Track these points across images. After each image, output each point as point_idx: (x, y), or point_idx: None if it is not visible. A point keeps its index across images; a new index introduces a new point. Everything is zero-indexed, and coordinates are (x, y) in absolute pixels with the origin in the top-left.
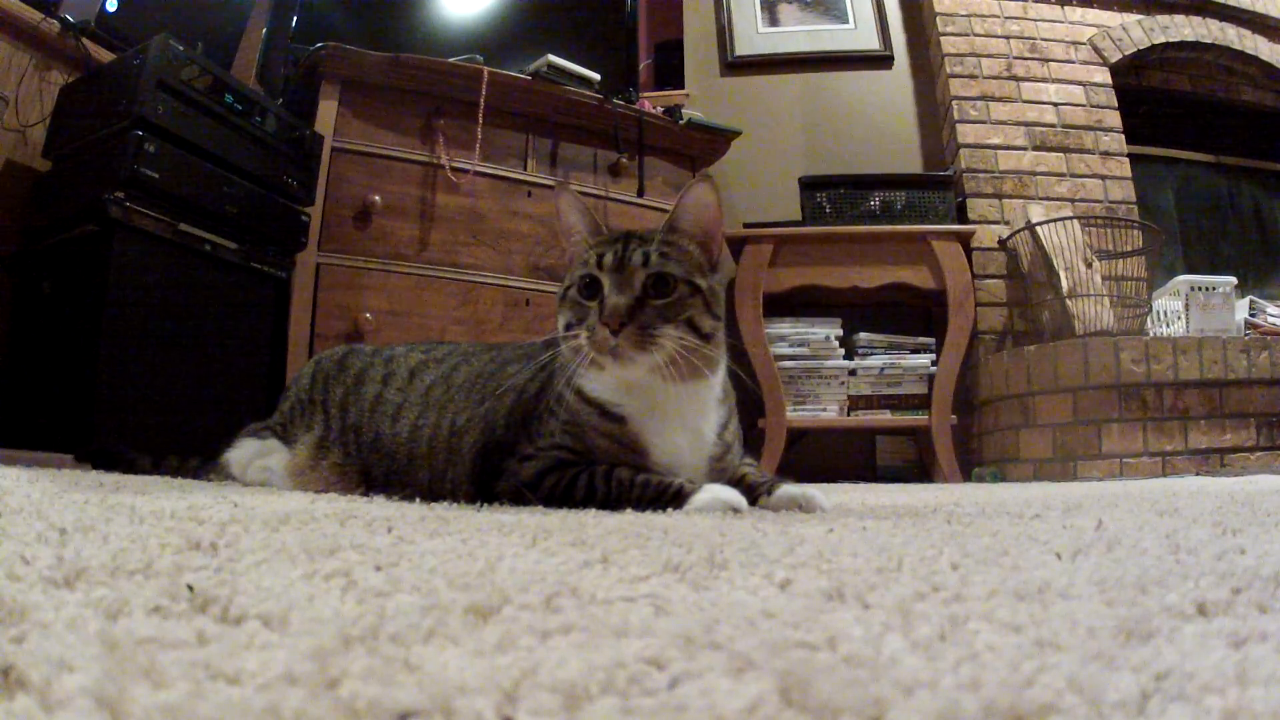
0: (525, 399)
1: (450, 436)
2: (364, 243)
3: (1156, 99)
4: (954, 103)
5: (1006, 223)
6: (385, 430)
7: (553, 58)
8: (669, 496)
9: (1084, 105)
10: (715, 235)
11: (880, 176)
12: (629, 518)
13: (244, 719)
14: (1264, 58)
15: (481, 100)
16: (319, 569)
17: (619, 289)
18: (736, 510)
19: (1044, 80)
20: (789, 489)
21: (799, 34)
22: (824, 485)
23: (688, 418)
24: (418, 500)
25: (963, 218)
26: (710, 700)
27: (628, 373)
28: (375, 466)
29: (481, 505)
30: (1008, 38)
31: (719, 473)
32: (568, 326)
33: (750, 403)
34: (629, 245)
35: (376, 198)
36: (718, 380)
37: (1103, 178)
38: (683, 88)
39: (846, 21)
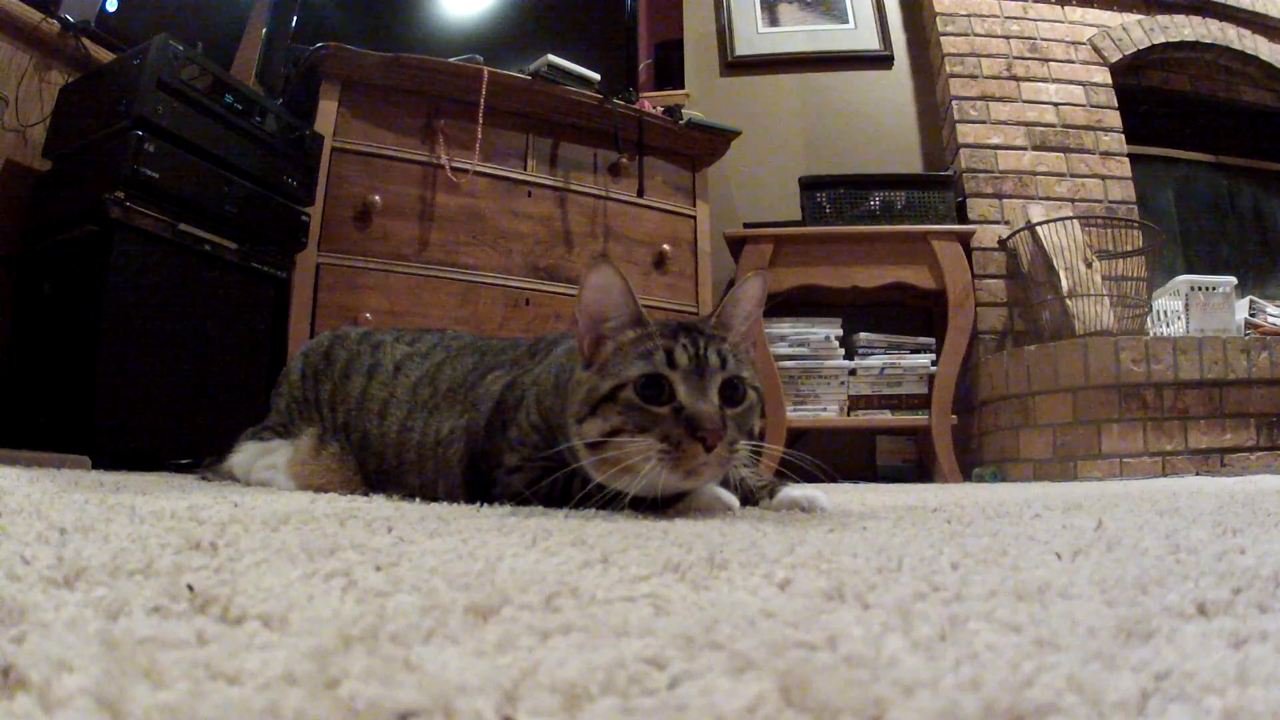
0: (504, 407)
1: (436, 446)
2: (364, 243)
3: (1156, 99)
4: (954, 103)
5: (1006, 223)
6: (373, 430)
7: (553, 58)
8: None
9: (1084, 105)
10: (756, 325)
11: (880, 176)
12: (628, 518)
13: (244, 719)
14: (1264, 58)
15: (481, 100)
16: (319, 569)
17: (699, 395)
18: (730, 509)
19: (1044, 80)
20: (790, 491)
21: (799, 34)
22: (824, 485)
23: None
24: (417, 500)
25: (963, 218)
26: (710, 700)
27: (689, 484)
28: (367, 464)
29: (481, 505)
30: (1008, 38)
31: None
32: (614, 432)
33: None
34: (698, 342)
35: (376, 198)
36: None
37: (1103, 178)
38: (683, 88)
39: (846, 21)
